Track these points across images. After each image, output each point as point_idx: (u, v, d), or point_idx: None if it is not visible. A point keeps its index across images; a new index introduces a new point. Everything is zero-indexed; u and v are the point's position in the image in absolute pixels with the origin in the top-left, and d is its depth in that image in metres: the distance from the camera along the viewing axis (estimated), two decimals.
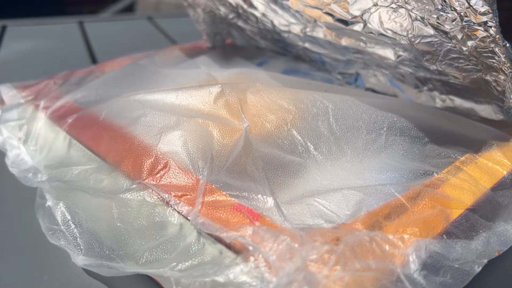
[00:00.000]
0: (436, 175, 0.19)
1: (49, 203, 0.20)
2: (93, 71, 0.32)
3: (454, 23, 0.20)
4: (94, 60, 0.46)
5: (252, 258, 0.15)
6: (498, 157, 0.20)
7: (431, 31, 0.21)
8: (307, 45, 0.32)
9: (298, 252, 0.14)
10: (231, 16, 0.35)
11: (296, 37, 0.31)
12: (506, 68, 0.20)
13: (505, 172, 0.20)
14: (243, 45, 0.40)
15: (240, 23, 0.35)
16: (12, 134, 0.26)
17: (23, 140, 0.26)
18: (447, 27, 0.20)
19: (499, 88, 0.22)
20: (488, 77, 0.21)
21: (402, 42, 0.23)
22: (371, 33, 0.25)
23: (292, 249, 0.14)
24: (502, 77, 0.20)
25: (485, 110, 0.24)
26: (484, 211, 0.17)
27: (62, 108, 0.26)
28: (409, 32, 0.22)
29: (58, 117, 0.26)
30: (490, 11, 0.18)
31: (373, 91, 0.30)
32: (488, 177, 0.19)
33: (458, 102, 0.25)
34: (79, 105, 0.26)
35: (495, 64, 0.20)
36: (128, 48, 0.35)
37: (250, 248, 0.15)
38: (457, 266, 0.15)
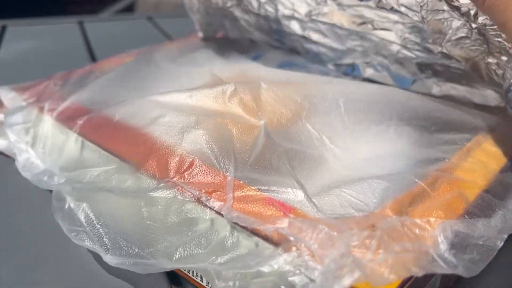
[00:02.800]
0: (447, 161, 0.20)
1: (70, 204, 0.20)
2: (92, 70, 0.32)
3: None
4: (94, 60, 0.45)
5: (294, 248, 0.16)
6: (499, 142, 0.22)
7: (444, 7, 0.22)
8: (306, 33, 0.32)
9: (339, 239, 0.15)
10: (229, 4, 0.34)
11: (297, 25, 0.32)
12: (510, 47, 0.21)
13: (508, 155, 0.21)
14: (235, 37, 0.40)
15: (237, 12, 0.35)
16: (19, 138, 0.25)
17: (31, 143, 0.25)
18: (461, 1, 0.21)
19: (499, 72, 0.23)
20: (490, 59, 0.23)
21: (414, 18, 0.24)
22: (384, 8, 0.26)
23: (332, 237, 0.15)
24: (504, 58, 0.22)
25: (482, 95, 0.26)
26: (496, 191, 0.19)
27: (68, 110, 0.26)
28: (423, 7, 0.23)
29: (66, 119, 0.25)
30: None
31: (370, 81, 0.31)
32: (495, 161, 0.21)
33: (455, 89, 0.27)
34: (86, 107, 0.26)
35: (501, 44, 0.21)
36: (128, 48, 0.35)
37: (291, 238, 0.16)
38: (481, 243, 0.16)
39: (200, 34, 0.40)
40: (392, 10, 0.26)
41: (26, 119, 0.26)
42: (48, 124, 0.26)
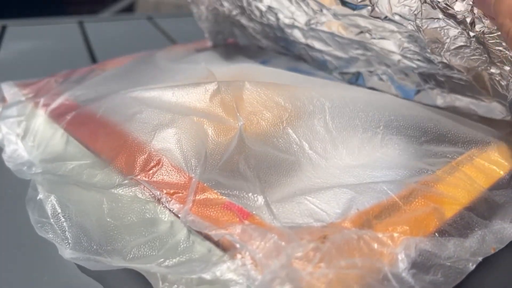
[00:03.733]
0: (431, 174, 0.18)
1: (40, 195, 0.20)
2: (94, 69, 0.32)
3: (464, 2, 0.20)
4: (94, 60, 0.46)
5: (239, 256, 0.15)
6: (495, 158, 0.20)
7: (439, 15, 0.21)
8: (309, 41, 0.31)
9: (284, 249, 0.14)
10: (234, 12, 0.34)
11: (299, 33, 0.31)
12: None
13: (502, 173, 0.19)
14: (245, 44, 0.40)
15: (243, 20, 0.35)
16: (10, 130, 0.26)
17: (21, 136, 0.26)
18: (456, 9, 0.20)
19: (503, 83, 0.21)
20: (493, 70, 0.21)
21: (409, 27, 0.23)
22: (378, 17, 0.24)
23: (279, 247, 0.14)
24: (507, 68, 0.20)
25: (487, 108, 0.24)
26: (480, 210, 0.17)
27: (62, 106, 0.26)
28: (417, 15, 0.22)
29: (57, 115, 0.26)
30: None
31: (374, 90, 0.30)
32: (485, 177, 0.19)
33: (460, 100, 0.25)
34: (78, 103, 0.26)
35: (502, 53, 0.20)
36: (128, 48, 0.35)
37: (237, 245, 0.15)
38: (449, 264, 0.14)
39: (210, 43, 0.40)
40: (387, 19, 0.24)
41: (20, 113, 0.27)
42: (40, 118, 0.26)
